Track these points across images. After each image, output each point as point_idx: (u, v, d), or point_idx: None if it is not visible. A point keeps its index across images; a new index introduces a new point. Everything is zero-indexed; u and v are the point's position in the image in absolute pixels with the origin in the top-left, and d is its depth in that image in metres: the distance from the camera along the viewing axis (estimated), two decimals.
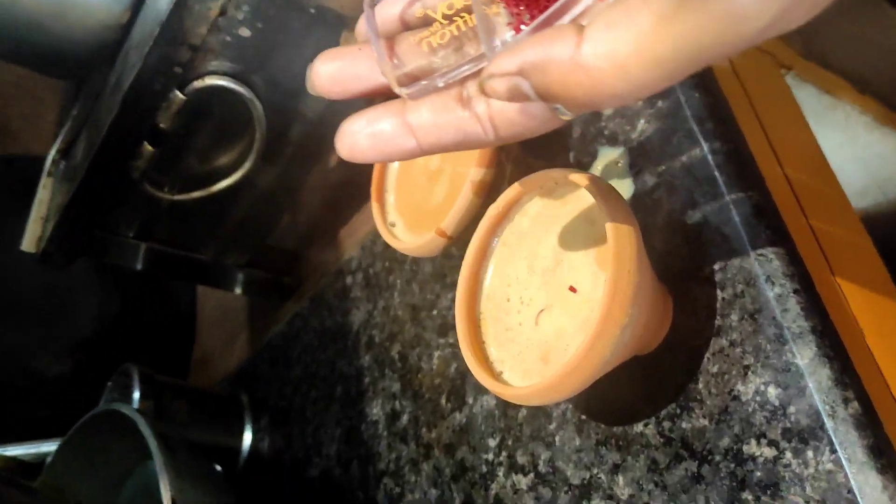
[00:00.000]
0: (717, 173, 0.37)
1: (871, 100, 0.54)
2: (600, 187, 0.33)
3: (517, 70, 0.22)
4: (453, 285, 0.51)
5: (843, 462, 0.29)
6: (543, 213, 0.37)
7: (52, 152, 0.60)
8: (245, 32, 0.49)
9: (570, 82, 0.21)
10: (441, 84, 0.26)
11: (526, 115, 0.25)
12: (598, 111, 0.23)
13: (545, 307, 0.35)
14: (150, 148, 0.53)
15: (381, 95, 0.27)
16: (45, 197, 0.61)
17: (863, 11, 0.58)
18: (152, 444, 0.44)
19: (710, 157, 0.37)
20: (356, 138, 0.27)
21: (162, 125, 0.52)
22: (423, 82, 0.26)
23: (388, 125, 0.26)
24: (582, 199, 0.35)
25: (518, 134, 0.26)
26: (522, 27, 0.24)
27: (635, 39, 0.20)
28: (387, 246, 0.59)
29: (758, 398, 0.32)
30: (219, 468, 0.61)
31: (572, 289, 0.34)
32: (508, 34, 0.25)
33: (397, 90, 0.26)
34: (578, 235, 0.35)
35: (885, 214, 0.60)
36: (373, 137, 0.27)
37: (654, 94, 0.21)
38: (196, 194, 0.58)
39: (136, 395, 0.65)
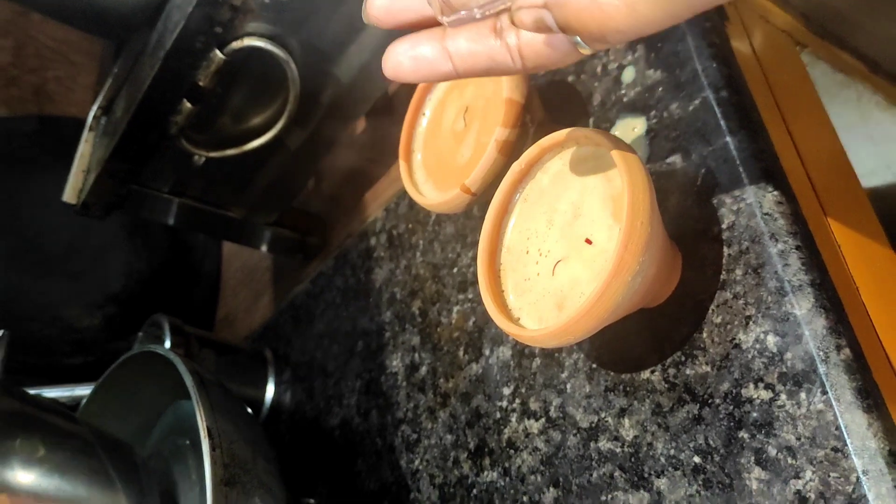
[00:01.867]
0: (729, 139, 0.39)
1: (882, 80, 0.55)
2: (618, 145, 0.35)
3: (542, 3, 0.25)
4: (474, 244, 0.53)
5: (833, 402, 0.31)
6: (563, 170, 0.39)
7: (94, 108, 0.63)
8: None
9: (584, 16, 0.24)
10: (478, 15, 0.29)
11: (550, 46, 0.28)
12: (603, 48, 0.27)
13: (562, 258, 0.38)
14: (188, 105, 0.56)
15: (427, 26, 0.30)
16: (86, 151, 0.64)
17: (885, 3, 0.59)
18: (188, 379, 0.47)
19: (723, 124, 0.39)
20: (399, 59, 0.30)
21: (201, 83, 0.54)
22: (463, 13, 0.29)
23: (428, 49, 0.30)
24: (601, 157, 0.37)
25: (542, 65, 0.29)
26: None
27: None
28: (410, 207, 0.62)
29: (757, 346, 0.34)
30: (249, 410, 0.64)
31: (588, 241, 0.37)
32: None
33: (440, 18, 0.29)
34: (596, 191, 0.37)
35: (894, 193, 0.62)
36: (415, 60, 0.30)
37: (660, 31, 0.24)
38: (230, 152, 0.61)
39: (168, 342, 0.68)
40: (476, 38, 0.29)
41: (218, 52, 0.53)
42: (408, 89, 0.50)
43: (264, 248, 0.74)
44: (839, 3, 0.56)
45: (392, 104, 0.71)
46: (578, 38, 0.26)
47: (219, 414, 0.46)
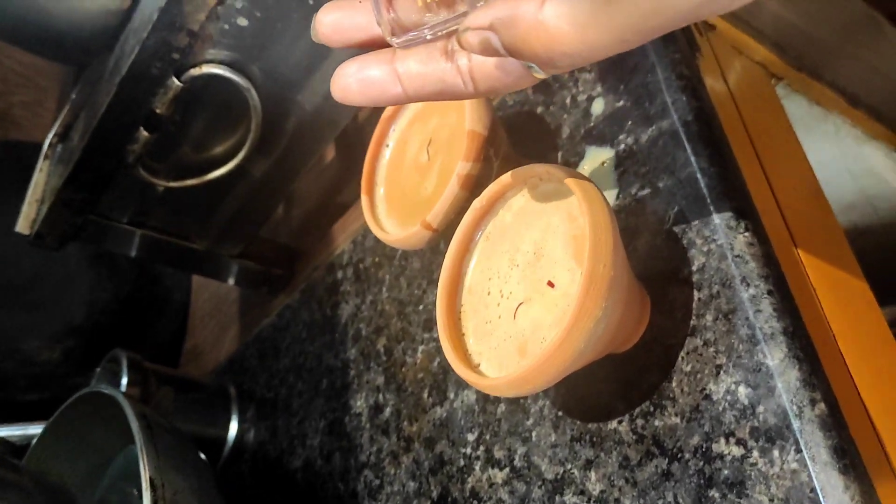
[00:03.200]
0: (699, 176, 0.37)
1: (861, 113, 0.54)
2: (581, 183, 0.33)
3: (488, 25, 0.24)
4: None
5: (808, 462, 0.29)
6: (527, 207, 0.37)
7: (50, 135, 0.61)
8: (243, 22, 0.49)
9: (531, 39, 0.23)
10: (429, 36, 0.28)
11: (502, 70, 0.27)
12: (555, 72, 0.25)
13: (524, 301, 0.36)
14: (145, 133, 0.54)
15: (377, 46, 0.29)
16: (41, 180, 0.61)
17: (859, 31, 0.58)
18: (133, 424, 0.45)
19: (693, 160, 0.37)
20: (348, 81, 0.29)
21: (158, 111, 0.52)
22: (413, 33, 0.28)
23: (377, 71, 0.29)
24: (564, 195, 0.36)
25: (494, 88, 0.28)
26: None
27: (591, 4, 0.22)
28: (377, 241, 0.59)
29: (728, 397, 0.32)
30: (203, 456, 0.61)
31: (550, 283, 0.34)
32: None
33: (389, 39, 0.28)
34: (559, 230, 0.35)
35: (874, 229, 0.60)
36: (363, 82, 0.29)
37: (607, 57, 0.23)
38: (190, 182, 0.59)
39: (124, 380, 0.65)
40: (426, 60, 0.28)
41: (175, 79, 0.51)
42: (378, 115, 0.49)
43: (231, 280, 0.72)
44: (817, 33, 0.54)
45: (362, 131, 0.69)
46: (533, 65, 0.25)
47: (165, 462, 0.44)
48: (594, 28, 0.22)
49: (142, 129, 0.53)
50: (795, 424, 0.30)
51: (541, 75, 0.26)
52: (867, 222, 0.60)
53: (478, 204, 0.38)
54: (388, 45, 0.29)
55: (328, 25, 0.30)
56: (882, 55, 0.59)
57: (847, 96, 0.55)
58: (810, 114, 0.52)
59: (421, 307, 0.52)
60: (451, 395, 0.47)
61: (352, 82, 0.29)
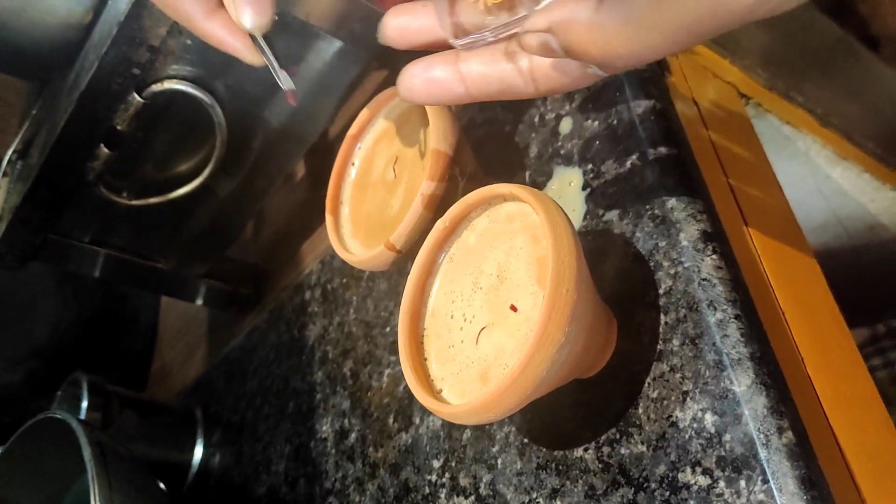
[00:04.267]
0: (666, 197, 0.36)
1: (832, 133, 0.54)
2: (545, 204, 0.33)
3: (546, 27, 0.25)
4: None
5: (775, 493, 0.28)
6: (491, 228, 0.36)
7: (10, 152, 0.59)
8: None
9: (587, 41, 0.24)
10: (491, 38, 0.29)
11: (561, 71, 0.28)
12: (613, 72, 0.26)
13: (487, 325, 0.34)
14: (106, 150, 0.52)
15: (441, 48, 0.31)
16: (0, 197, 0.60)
17: (833, 53, 0.58)
18: (86, 452, 0.43)
19: (660, 181, 0.37)
20: (413, 81, 0.30)
21: (119, 127, 0.51)
22: (475, 36, 0.29)
23: (441, 72, 0.30)
24: (528, 215, 0.35)
25: (555, 88, 0.29)
26: None
27: (644, 6, 0.22)
28: (345, 261, 0.58)
29: (695, 425, 0.31)
30: (162, 486, 0.59)
31: (513, 308, 0.33)
32: None
33: (452, 41, 0.30)
34: (522, 253, 0.34)
35: (845, 249, 0.60)
36: (428, 82, 0.30)
37: (661, 57, 0.24)
38: (153, 200, 0.57)
39: (85, 404, 0.63)
40: (488, 62, 0.29)
41: (136, 95, 0.50)
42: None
43: (199, 300, 0.70)
44: (790, 55, 0.54)
45: (333, 148, 0.68)
46: (593, 66, 0.26)
47: (119, 492, 0.42)
48: (647, 30, 0.22)
49: (102, 145, 0.52)
50: (762, 454, 0.29)
51: (597, 74, 0.26)
52: (838, 243, 0.60)
53: (441, 225, 0.37)
54: (450, 48, 0.30)
55: (394, 28, 0.31)
56: (854, 77, 0.59)
57: (818, 116, 0.54)
58: (781, 134, 0.52)
59: (387, 329, 0.51)
60: (417, 421, 0.46)
61: (417, 82, 0.30)
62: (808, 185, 0.55)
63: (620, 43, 0.23)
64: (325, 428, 0.55)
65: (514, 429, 0.40)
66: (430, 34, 0.31)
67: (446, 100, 0.31)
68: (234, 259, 0.70)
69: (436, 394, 0.35)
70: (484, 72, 0.29)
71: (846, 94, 0.58)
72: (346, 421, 0.53)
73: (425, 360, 0.37)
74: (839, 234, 0.59)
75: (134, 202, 0.57)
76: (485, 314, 0.35)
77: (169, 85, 0.50)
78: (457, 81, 0.30)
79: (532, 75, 0.29)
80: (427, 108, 0.42)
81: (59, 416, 0.48)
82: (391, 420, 0.48)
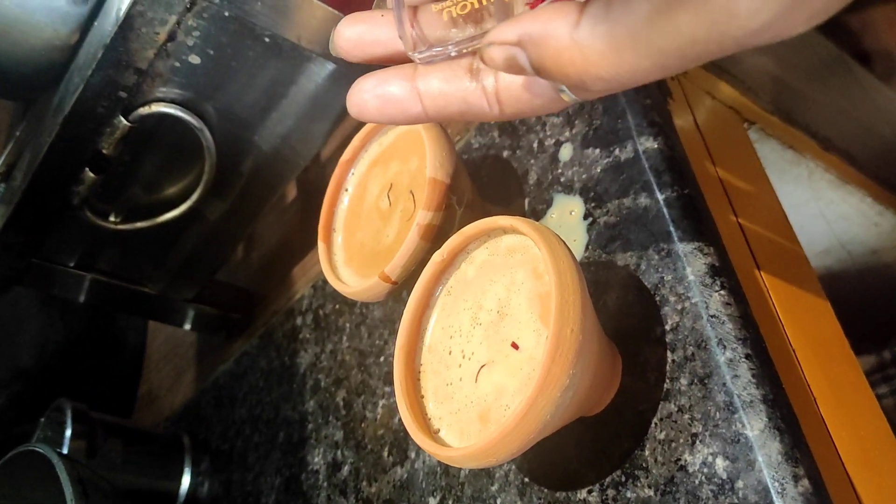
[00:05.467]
0: (672, 228, 0.35)
1: (834, 157, 0.53)
2: (547, 238, 0.31)
3: (516, 41, 0.22)
4: None
5: None
6: (490, 261, 0.35)
7: None
8: (195, 59, 0.47)
9: (563, 59, 0.21)
10: (453, 53, 0.26)
11: (530, 92, 0.25)
12: (588, 97, 0.23)
13: (487, 363, 0.33)
14: (91, 174, 0.51)
15: (398, 62, 0.28)
16: None
17: (832, 76, 0.58)
18: (67, 491, 0.41)
19: (665, 212, 0.36)
20: (364, 97, 0.27)
21: (105, 151, 0.50)
22: (437, 49, 0.26)
23: (396, 88, 0.27)
24: (529, 249, 0.33)
25: (521, 111, 0.26)
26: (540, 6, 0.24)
27: (632, 24, 0.20)
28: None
29: (705, 469, 0.30)
30: None
31: (514, 345, 0.32)
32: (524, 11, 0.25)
33: (411, 54, 0.27)
34: (524, 288, 0.33)
35: (849, 274, 0.59)
36: (381, 99, 0.27)
37: (644, 83, 0.21)
38: (141, 225, 0.56)
39: (68, 433, 0.61)
40: (450, 79, 0.27)
41: (123, 118, 0.48)
42: (340, 155, 0.46)
43: (187, 325, 0.68)
44: (788, 76, 0.53)
45: (325, 170, 0.67)
46: (565, 88, 0.23)
47: None
48: (633, 52, 0.20)
49: (87, 169, 0.51)
50: (778, 503, 0.27)
51: (570, 98, 0.24)
52: (841, 267, 0.59)
53: (438, 257, 0.36)
54: (408, 61, 0.27)
55: (349, 40, 0.28)
56: (852, 98, 0.58)
57: (820, 140, 0.53)
58: (783, 158, 0.51)
59: (382, 359, 0.50)
60: (412, 455, 0.45)
61: (369, 98, 0.28)
62: (811, 209, 0.55)
63: (602, 64, 0.21)
64: (317, 459, 0.53)
65: (514, 467, 0.38)
66: (388, 46, 0.28)
67: (401, 119, 0.28)
68: (223, 283, 0.69)
69: (433, 434, 0.33)
70: (444, 90, 0.27)
71: (846, 115, 0.57)
72: (338, 453, 0.51)
73: (422, 397, 0.35)
74: (842, 258, 0.58)
75: (121, 226, 0.56)
76: (484, 351, 0.33)
77: (157, 108, 0.48)
78: (413, 99, 0.27)
79: (498, 96, 0.26)
80: (423, 133, 0.41)
81: (40, 449, 0.46)
82: (386, 453, 0.47)
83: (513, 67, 0.23)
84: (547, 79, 0.22)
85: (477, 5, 0.26)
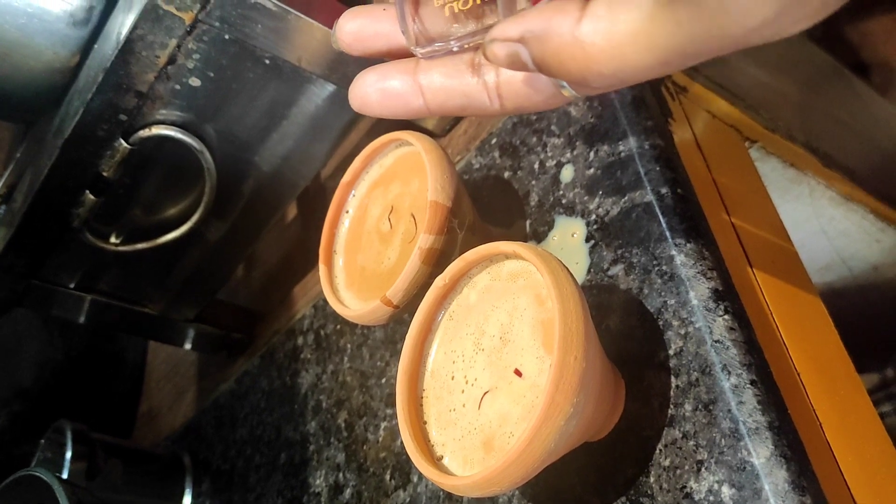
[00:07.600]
0: (675, 252, 0.35)
1: (836, 174, 0.53)
2: (550, 265, 0.31)
3: (518, 37, 0.22)
4: None
5: None
6: (492, 287, 0.35)
7: None
8: (195, 82, 0.47)
9: (565, 55, 0.21)
10: (455, 48, 0.26)
11: (531, 87, 0.25)
12: (589, 94, 0.24)
13: (490, 389, 0.33)
14: (91, 197, 0.51)
15: (400, 56, 0.28)
16: None
17: (831, 89, 0.58)
18: None
19: (668, 235, 0.35)
20: (367, 90, 0.28)
21: (105, 174, 0.50)
22: (438, 44, 0.26)
23: (398, 82, 0.27)
24: (531, 274, 0.33)
25: (522, 107, 0.27)
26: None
27: (633, 21, 0.20)
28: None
29: (711, 497, 0.30)
30: None
31: (517, 372, 0.32)
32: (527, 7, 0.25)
33: (413, 49, 0.27)
34: (526, 314, 0.33)
35: (850, 290, 0.59)
36: (383, 92, 0.28)
37: (645, 80, 0.21)
38: (141, 246, 0.56)
39: (69, 454, 0.61)
40: (451, 74, 0.27)
41: (123, 141, 0.48)
42: (341, 174, 0.46)
43: (188, 345, 0.68)
44: (786, 90, 0.53)
45: (325, 188, 0.67)
46: (565, 83, 0.23)
47: None
48: (634, 48, 0.20)
49: (88, 192, 0.50)
50: None
51: (571, 95, 0.24)
52: (843, 284, 0.59)
53: (440, 282, 0.36)
54: (410, 55, 0.28)
55: (350, 33, 0.28)
56: (851, 110, 0.58)
57: (821, 156, 0.53)
58: (785, 176, 0.51)
59: (384, 380, 0.50)
60: (415, 479, 0.44)
61: (371, 92, 0.28)
62: (813, 226, 0.54)
63: (603, 61, 0.21)
64: (318, 482, 0.53)
65: (517, 493, 0.38)
66: (390, 40, 0.28)
67: (402, 113, 0.28)
68: (224, 302, 0.68)
69: (436, 461, 0.33)
70: (445, 84, 0.27)
71: (846, 130, 0.57)
72: (340, 475, 0.51)
73: (425, 423, 0.35)
74: (844, 275, 0.58)
75: (121, 248, 0.56)
76: (487, 377, 0.33)
77: (157, 130, 0.48)
78: (415, 93, 0.27)
79: (498, 91, 0.26)
80: (424, 156, 0.40)
81: (40, 474, 0.46)
82: (388, 476, 0.46)
83: (515, 64, 0.23)
84: (549, 75, 0.23)
85: (478, 1, 0.26)
